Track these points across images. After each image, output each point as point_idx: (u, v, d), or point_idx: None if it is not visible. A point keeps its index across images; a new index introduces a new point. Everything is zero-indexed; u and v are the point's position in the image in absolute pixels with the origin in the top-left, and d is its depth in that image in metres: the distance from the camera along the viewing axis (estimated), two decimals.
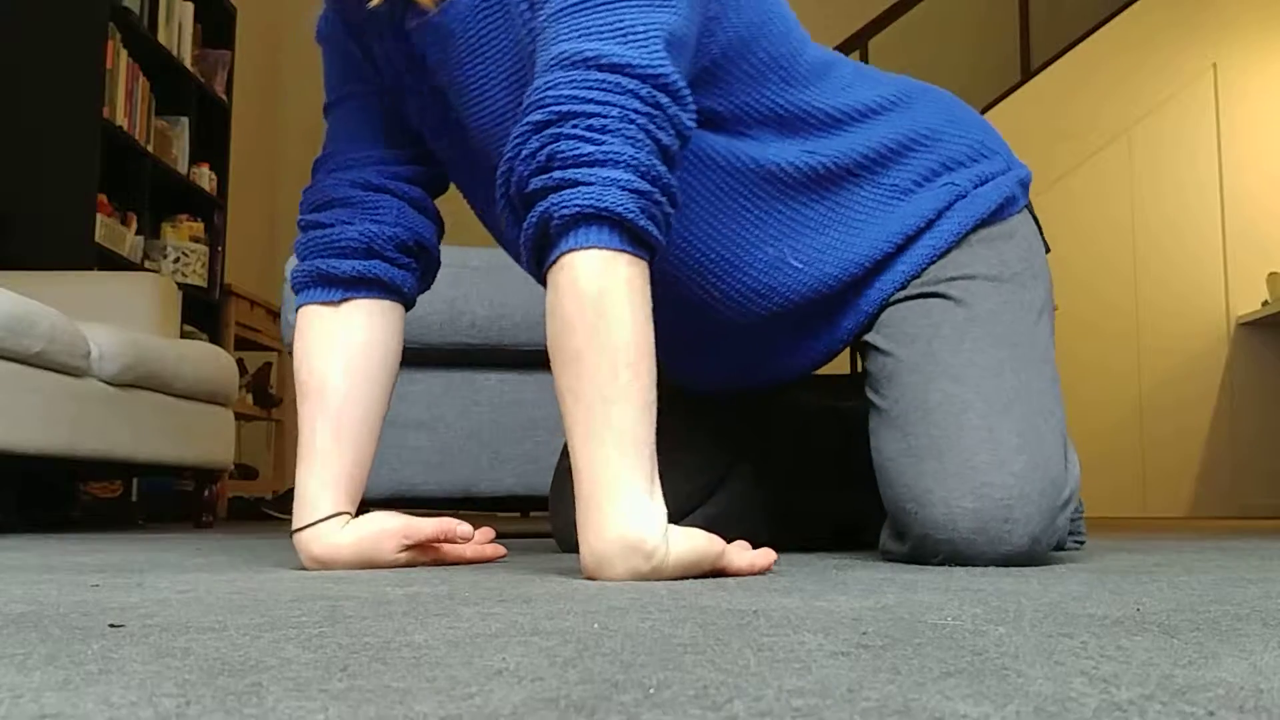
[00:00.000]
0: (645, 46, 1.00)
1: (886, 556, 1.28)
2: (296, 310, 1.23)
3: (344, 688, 0.43)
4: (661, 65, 0.99)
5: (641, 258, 0.97)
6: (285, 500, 4.06)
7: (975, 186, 1.31)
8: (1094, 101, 5.04)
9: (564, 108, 0.97)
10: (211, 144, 4.28)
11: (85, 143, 3.42)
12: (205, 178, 4.20)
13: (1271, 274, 4.73)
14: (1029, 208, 1.36)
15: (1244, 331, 4.92)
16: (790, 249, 1.24)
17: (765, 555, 1.04)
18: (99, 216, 3.42)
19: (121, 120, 3.59)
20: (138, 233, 3.74)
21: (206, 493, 2.99)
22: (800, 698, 0.41)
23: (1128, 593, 0.85)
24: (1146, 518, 4.40)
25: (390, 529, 1.13)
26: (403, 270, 1.24)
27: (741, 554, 1.01)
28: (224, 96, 4.37)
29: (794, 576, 1.01)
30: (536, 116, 0.98)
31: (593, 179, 0.95)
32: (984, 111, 5.03)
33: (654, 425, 0.95)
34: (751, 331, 1.29)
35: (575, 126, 0.96)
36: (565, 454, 1.55)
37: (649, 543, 0.91)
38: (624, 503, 0.91)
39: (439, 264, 1.31)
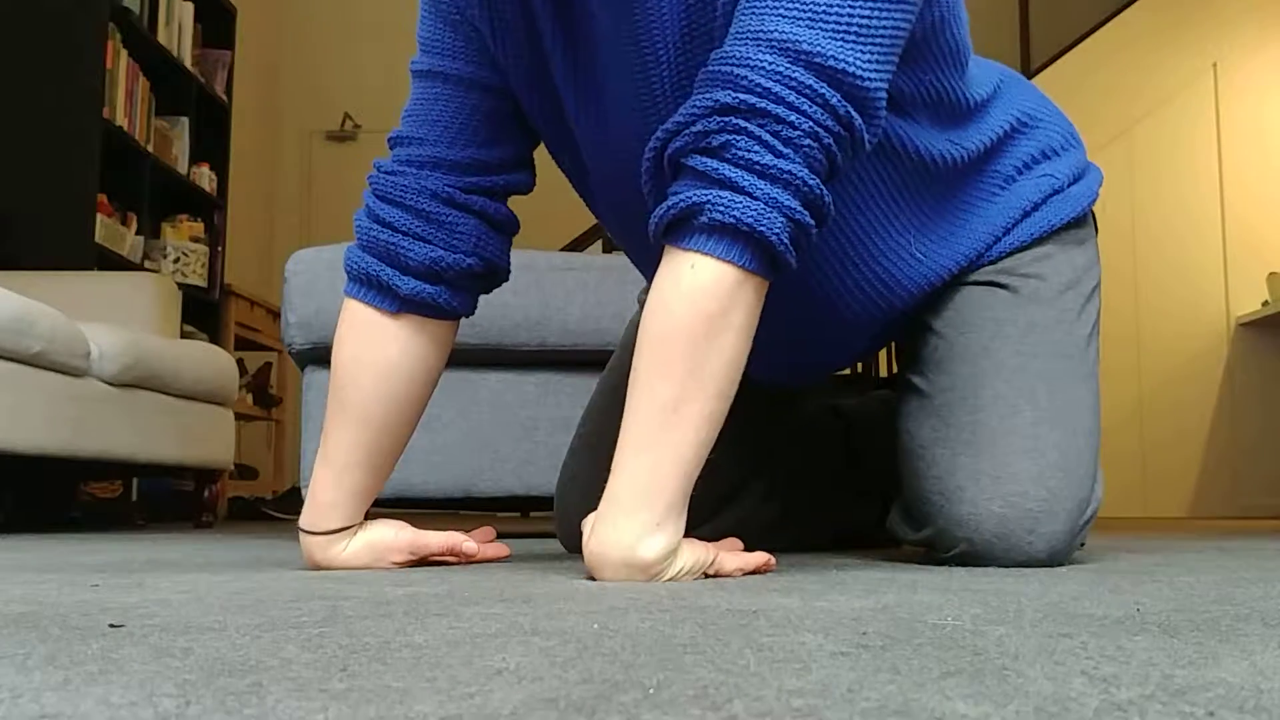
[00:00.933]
0: (865, 50, 0.93)
1: (894, 538, 1.27)
2: (346, 295, 1.16)
3: (344, 688, 0.43)
4: (872, 77, 0.93)
5: (769, 280, 0.95)
6: (285, 500, 4.06)
7: (1070, 182, 1.29)
8: (1094, 101, 5.04)
9: (756, 101, 0.91)
10: (211, 144, 4.28)
11: (85, 143, 3.42)
12: (205, 178, 4.20)
13: (1271, 274, 4.73)
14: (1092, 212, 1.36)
15: (1244, 332, 4.92)
16: (914, 239, 1.20)
17: (758, 555, 1.04)
18: (99, 216, 3.43)
19: (121, 120, 3.60)
20: (138, 233, 3.74)
21: (206, 493, 2.99)
22: (800, 698, 0.41)
23: (1128, 593, 0.85)
24: (1146, 518, 4.40)
25: (396, 544, 1.13)
26: (464, 293, 1.18)
27: (732, 557, 1.01)
28: (224, 96, 4.37)
29: (794, 576, 1.01)
30: (724, 97, 0.91)
31: (758, 193, 0.90)
32: None
33: (706, 456, 0.93)
34: (860, 326, 1.26)
35: (762, 126, 0.91)
36: (571, 456, 1.54)
37: (654, 568, 0.91)
38: (648, 524, 0.91)
39: (508, 274, 1.24)
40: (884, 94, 0.95)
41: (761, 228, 0.90)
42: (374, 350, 1.15)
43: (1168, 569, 1.12)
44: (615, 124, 1.14)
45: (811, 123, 0.91)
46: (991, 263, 1.25)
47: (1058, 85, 5.04)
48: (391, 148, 1.18)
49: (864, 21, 0.93)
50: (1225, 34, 5.06)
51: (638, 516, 0.91)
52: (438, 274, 1.15)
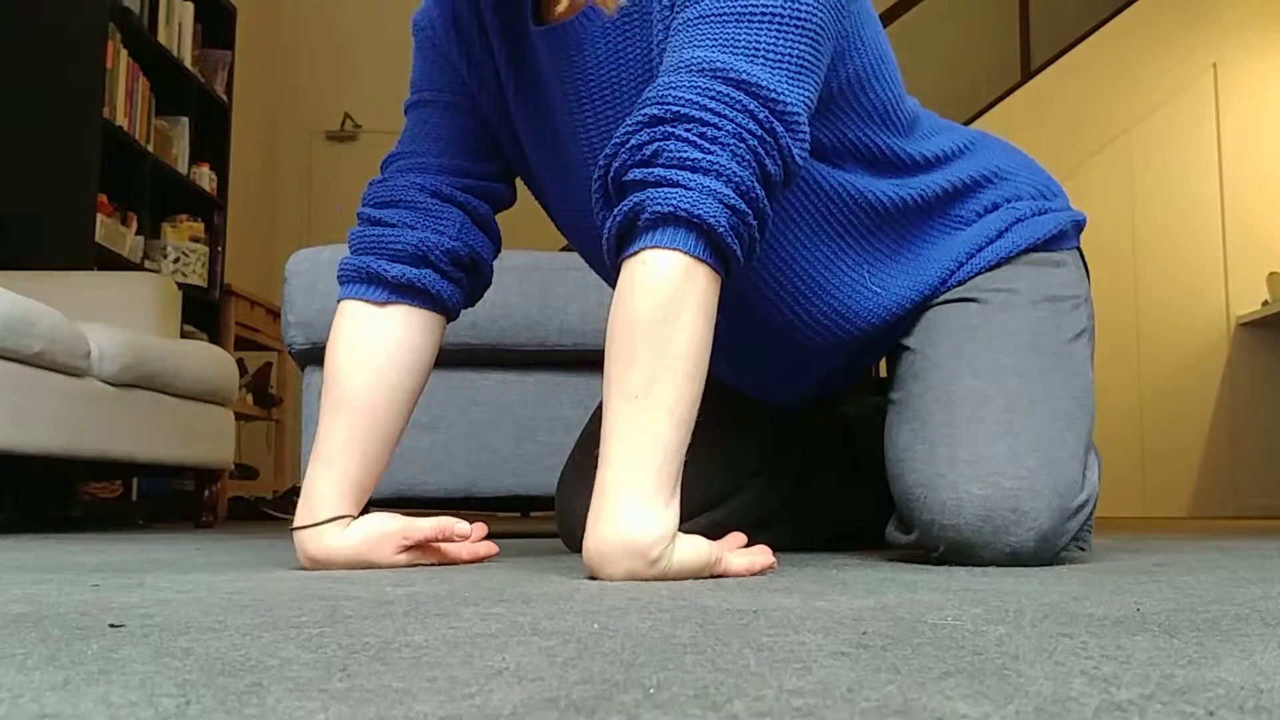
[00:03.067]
0: (776, 71, 1.00)
1: (890, 545, 1.28)
2: (339, 300, 1.22)
3: (344, 688, 0.43)
4: (786, 93, 1.00)
5: (719, 274, 0.98)
6: (285, 500, 4.06)
7: (1035, 215, 1.34)
8: (1093, 101, 5.04)
9: (680, 110, 0.97)
10: (211, 144, 4.28)
11: (85, 143, 3.42)
12: (205, 178, 4.20)
13: (1271, 274, 4.73)
14: (1080, 253, 1.39)
15: (1244, 331, 4.92)
16: (869, 273, 1.26)
17: (763, 554, 1.04)
18: (99, 216, 3.43)
19: (121, 120, 3.59)
20: (138, 233, 3.74)
21: (206, 493, 2.99)
22: (800, 698, 0.41)
23: (1128, 593, 0.85)
24: (1146, 518, 4.40)
25: (388, 531, 1.13)
26: (452, 284, 1.23)
27: (739, 556, 1.02)
28: (224, 96, 4.37)
29: (794, 576, 1.01)
30: (652, 111, 0.98)
31: (692, 184, 0.95)
32: (984, 111, 5.03)
33: (689, 437, 0.95)
34: (824, 354, 1.32)
35: (688, 130, 0.97)
36: (574, 455, 1.54)
37: (654, 550, 0.91)
38: (640, 505, 0.91)
39: (490, 282, 1.30)
40: (802, 113, 1.01)
41: (699, 212, 0.94)
42: (364, 339, 1.19)
43: (1168, 569, 1.12)
44: (568, 166, 1.23)
45: (734, 124, 0.97)
46: (960, 283, 1.30)
47: (1058, 85, 5.04)
48: (383, 170, 1.27)
49: (770, 45, 1.01)
50: (1225, 34, 5.06)
51: (627, 502, 0.92)
52: (425, 257, 1.20)
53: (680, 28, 1.04)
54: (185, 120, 4.08)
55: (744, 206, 0.97)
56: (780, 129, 0.99)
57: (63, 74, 3.44)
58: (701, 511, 1.43)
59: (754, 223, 0.98)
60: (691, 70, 1.00)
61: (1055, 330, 1.27)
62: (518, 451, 2.18)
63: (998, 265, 1.30)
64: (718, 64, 0.99)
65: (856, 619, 0.66)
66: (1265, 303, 4.79)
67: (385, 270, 1.19)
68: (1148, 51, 5.06)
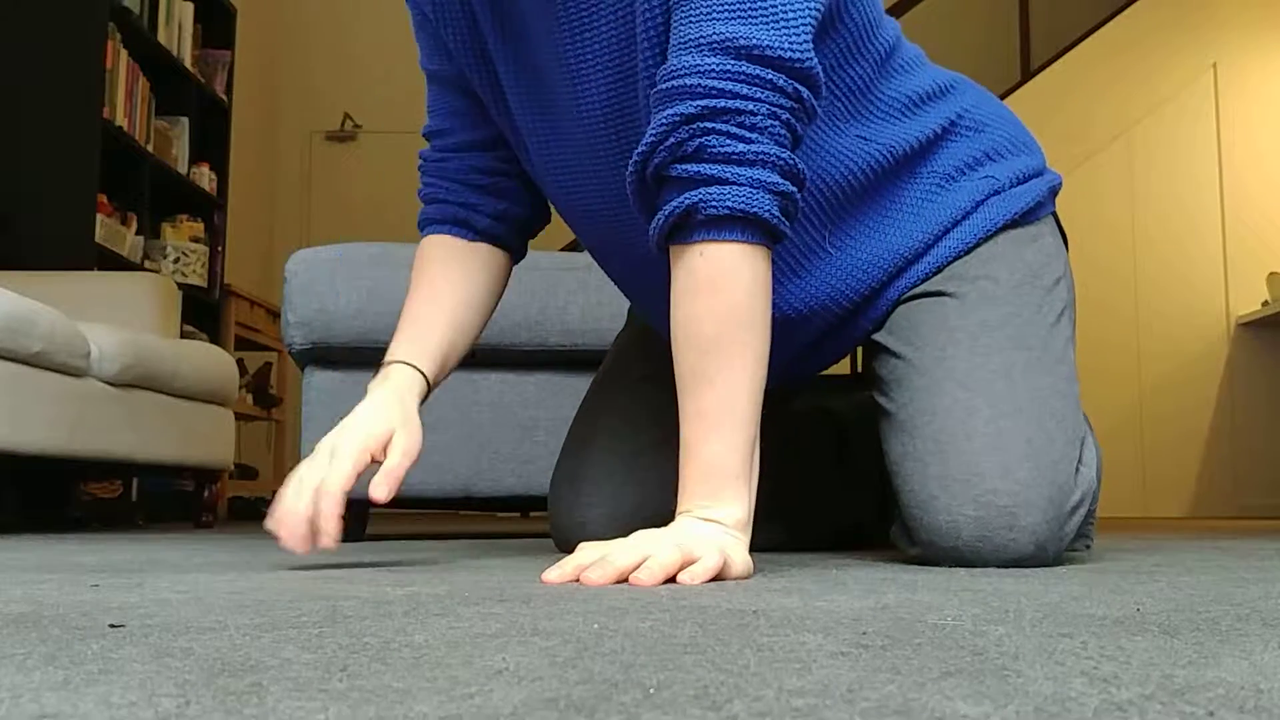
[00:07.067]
0: (794, 33, 1.02)
1: (899, 551, 1.27)
2: (424, 237, 1.33)
3: (344, 688, 0.43)
4: (806, 54, 1.03)
5: (770, 249, 1.04)
6: None
7: (1012, 185, 1.30)
8: (1094, 101, 5.03)
9: (715, 103, 1.00)
10: (211, 144, 4.28)
11: (85, 143, 3.42)
12: (205, 178, 4.20)
13: (1271, 274, 4.73)
14: (1055, 217, 1.36)
15: (1244, 331, 4.92)
16: (829, 234, 1.25)
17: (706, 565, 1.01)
18: (99, 216, 3.42)
19: (121, 120, 3.59)
20: (138, 233, 3.74)
21: (206, 493, 2.99)
22: (800, 698, 0.41)
23: (1128, 593, 0.85)
24: (1146, 518, 4.40)
25: (381, 433, 1.13)
26: (519, 236, 1.37)
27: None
28: (224, 96, 4.37)
29: (794, 576, 1.01)
30: (685, 108, 1.01)
31: (742, 179, 1.00)
32: None
33: (760, 403, 1.02)
34: (776, 330, 1.27)
35: (727, 123, 1.00)
36: (564, 456, 1.54)
37: (746, 533, 0.99)
38: (738, 488, 0.99)
39: (542, 225, 1.42)
40: (815, 62, 1.04)
41: (754, 209, 1.00)
42: (450, 256, 1.31)
43: (1168, 569, 1.12)
44: (561, 125, 1.22)
45: (767, 105, 1.01)
46: (937, 271, 1.26)
47: (1058, 85, 5.04)
48: (429, 140, 1.36)
49: (784, 8, 1.03)
50: (1225, 34, 5.06)
51: (730, 490, 0.99)
52: (502, 217, 1.34)
53: None
54: (185, 120, 4.08)
55: (789, 186, 1.02)
56: (805, 91, 1.03)
57: (63, 74, 3.43)
58: None
59: (798, 193, 1.04)
60: (714, 49, 1.02)
61: (1036, 316, 1.24)
62: (518, 451, 2.18)
63: (973, 247, 1.27)
64: (739, 39, 1.01)
65: (856, 619, 0.66)
66: (1265, 303, 4.79)
67: (476, 221, 1.32)
68: (1148, 51, 5.06)
